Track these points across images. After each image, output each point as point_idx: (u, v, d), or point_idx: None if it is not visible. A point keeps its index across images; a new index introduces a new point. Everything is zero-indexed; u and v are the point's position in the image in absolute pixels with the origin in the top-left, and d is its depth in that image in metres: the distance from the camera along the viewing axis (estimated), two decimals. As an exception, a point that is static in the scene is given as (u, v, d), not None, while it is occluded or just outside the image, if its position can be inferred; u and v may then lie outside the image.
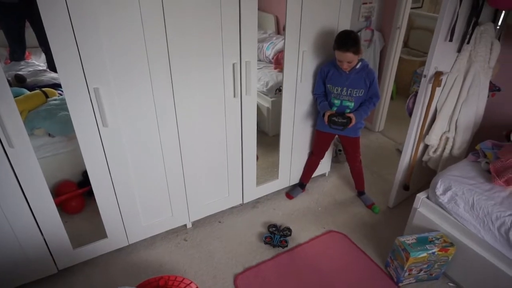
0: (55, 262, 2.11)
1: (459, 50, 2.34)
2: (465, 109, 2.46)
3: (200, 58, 1.99)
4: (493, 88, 2.58)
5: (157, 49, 1.84)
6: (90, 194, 2.21)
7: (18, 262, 1.99)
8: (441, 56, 2.24)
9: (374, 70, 2.34)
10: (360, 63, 2.33)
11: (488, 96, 2.54)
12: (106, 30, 1.67)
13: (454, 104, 2.47)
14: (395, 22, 3.41)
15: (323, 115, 2.44)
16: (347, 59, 2.24)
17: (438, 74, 2.24)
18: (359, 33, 3.39)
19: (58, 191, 2.59)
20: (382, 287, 2.21)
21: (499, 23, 2.46)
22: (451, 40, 2.20)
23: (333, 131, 2.53)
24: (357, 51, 2.22)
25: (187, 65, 1.97)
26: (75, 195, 2.60)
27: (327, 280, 2.24)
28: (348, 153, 2.73)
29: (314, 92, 2.55)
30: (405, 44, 5.01)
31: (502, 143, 2.35)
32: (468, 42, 2.30)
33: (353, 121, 2.36)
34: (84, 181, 2.67)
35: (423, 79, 2.29)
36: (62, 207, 2.55)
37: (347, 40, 2.20)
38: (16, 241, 1.93)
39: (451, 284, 2.23)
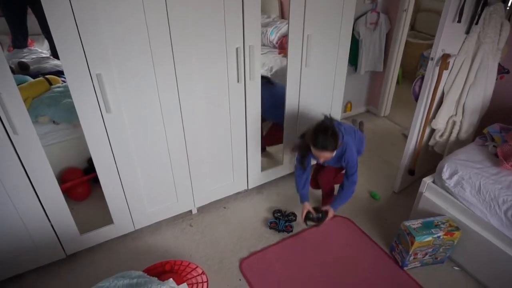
0: (63, 248, 2.14)
1: (467, 32, 2.28)
2: (473, 92, 2.42)
3: (203, 43, 1.97)
4: (502, 70, 2.53)
5: (159, 34, 1.81)
6: (95, 180, 2.22)
7: (26, 248, 2.02)
8: (448, 38, 2.19)
9: (352, 154, 2.18)
10: (336, 152, 2.13)
11: (496, 79, 2.49)
12: (108, 16, 1.65)
13: (461, 87, 2.43)
14: (401, 4, 3.34)
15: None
16: (324, 156, 2.11)
17: (445, 57, 2.20)
18: (364, 16, 3.33)
19: (64, 178, 2.61)
20: (387, 271, 2.22)
21: (510, 3, 2.39)
22: (459, 21, 2.14)
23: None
24: (334, 148, 2.06)
25: (190, 49, 1.94)
26: (81, 181, 2.62)
27: (332, 265, 2.25)
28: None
29: (296, 162, 2.40)
30: (412, 27, 4.91)
31: (511, 126, 2.31)
32: (476, 23, 2.25)
33: (330, 215, 2.27)
34: (89, 168, 2.69)
35: (430, 62, 2.25)
36: (68, 194, 2.58)
37: (324, 142, 2.03)
38: (24, 228, 1.96)
39: (456, 268, 2.23)
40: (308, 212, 2.32)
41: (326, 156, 2.11)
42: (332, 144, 2.05)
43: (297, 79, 2.45)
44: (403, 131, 3.68)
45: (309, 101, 2.61)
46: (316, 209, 2.35)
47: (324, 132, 2.04)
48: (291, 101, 2.52)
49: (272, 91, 2.70)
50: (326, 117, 2.15)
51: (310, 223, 2.34)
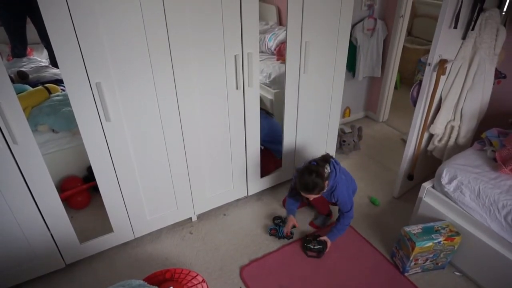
0: (62, 257, 2.13)
1: (464, 37, 2.31)
2: (471, 97, 2.43)
3: (201, 50, 1.98)
4: (499, 75, 2.55)
5: (158, 42, 1.82)
6: (95, 189, 2.22)
7: (26, 257, 2.01)
8: (445, 43, 2.21)
9: (342, 192, 2.26)
10: (325, 190, 2.20)
11: (493, 84, 2.51)
12: (107, 24, 1.66)
13: (459, 92, 2.44)
14: (398, 10, 3.37)
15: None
16: (311, 197, 2.23)
17: (442, 62, 2.21)
18: (362, 22, 3.35)
19: (63, 187, 2.60)
20: (387, 277, 2.21)
21: (505, 9, 2.41)
22: (455, 27, 2.16)
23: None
24: (320, 191, 2.16)
25: (189, 57, 1.95)
26: (80, 190, 2.61)
27: (332, 271, 2.24)
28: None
29: (291, 186, 2.52)
30: (409, 32, 4.95)
31: (508, 130, 2.32)
32: (473, 29, 2.27)
33: (329, 244, 2.31)
34: (89, 176, 2.68)
35: (427, 67, 2.26)
36: (68, 203, 2.57)
37: (308, 186, 2.13)
38: (24, 237, 1.95)
39: (457, 273, 2.22)
40: (309, 242, 2.33)
41: (313, 197, 2.22)
42: (317, 188, 2.13)
43: (295, 85, 2.46)
44: (402, 136, 3.69)
45: (308, 107, 2.62)
46: (315, 238, 2.35)
47: (309, 175, 2.13)
48: (289, 108, 2.53)
49: (270, 122, 2.81)
50: (313, 161, 2.24)
51: (311, 254, 2.34)
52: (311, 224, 2.59)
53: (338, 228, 2.34)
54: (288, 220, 2.45)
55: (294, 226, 2.37)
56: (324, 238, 2.33)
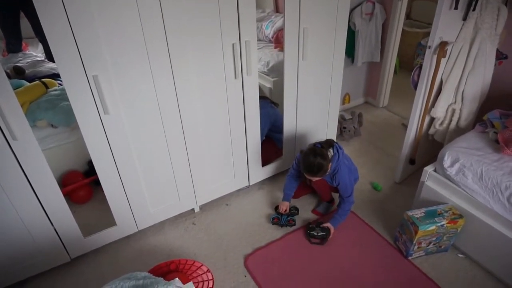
0: (67, 251, 2.14)
1: (464, 18, 2.27)
2: (472, 79, 2.41)
3: (199, 39, 1.95)
4: (500, 56, 2.52)
5: (154, 33, 1.80)
6: (97, 183, 2.21)
7: (31, 253, 2.02)
8: (446, 25, 2.18)
9: (344, 176, 2.27)
10: (328, 172, 2.22)
11: (495, 65, 2.48)
12: (102, 15, 1.63)
13: (460, 74, 2.42)
14: (396, -7, 3.32)
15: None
16: (314, 179, 2.28)
17: (443, 45, 2.18)
18: (360, 6, 3.31)
19: (65, 182, 2.60)
20: (391, 261, 2.22)
21: (506, -12, 2.37)
22: (456, 7, 2.13)
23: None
24: (323, 174, 2.19)
25: (186, 47, 1.93)
26: (82, 184, 2.61)
27: (336, 257, 2.25)
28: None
29: (292, 167, 2.52)
30: (408, 15, 4.88)
31: (510, 112, 2.30)
32: (474, 9, 2.23)
33: (332, 231, 2.32)
34: (90, 170, 2.68)
35: (427, 50, 2.23)
36: (70, 197, 2.57)
37: (312, 168, 2.16)
38: (28, 233, 1.96)
39: (460, 256, 2.23)
40: (312, 229, 2.33)
41: (316, 179, 2.27)
42: (321, 170, 2.16)
43: (294, 72, 2.44)
44: (402, 121, 3.67)
45: (307, 95, 2.60)
46: (318, 225, 2.35)
47: (314, 156, 2.16)
48: (289, 95, 2.51)
49: (276, 112, 2.81)
50: (317, 143, 2.27)
51: (314, 241, 2.34)
52: (313, 211, 2.60)
53: (339, 214, 2.35)
54: (281, 204, 2.50)
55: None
56: (327, 224, 2.33)
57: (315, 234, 2.32)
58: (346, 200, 2.33)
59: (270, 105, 2.79)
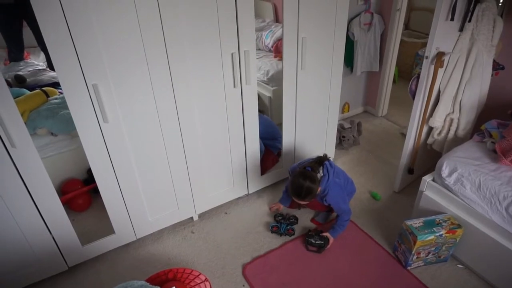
0: (65, 260, 2.13)
1: (461, 29, 2.30)
2: (469, 89, 2.42)
3: (198, 49, 1.97)
4: (497, 67, 2.54)
5: (153, 41, 1.82)
6: (96, 191, 2.22)
7: (28, 261, 2.01)
8: (442, 36, 2.20)
9: (334, 197, 2.27)
10: (317, 194, 2.24)
11: (491, 75, 2.50)
12: (101, 24, 1.65)
13: (457, 84, 2.43)
14: (394, 4, 3.35)
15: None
16: (303, 203, 2.30)
17: (440, 55, 2.21)
18: (358, 17, 3.34)
19: (64, 190, 2.60)
20: (390, 271, 2.21)
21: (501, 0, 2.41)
22: (452, 19, 2.15)
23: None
24: (311, 198, 2.21)
25: (185, 56, 1.95)
26: (81, 192, 2.61)
27: (334, 266, 2.25)
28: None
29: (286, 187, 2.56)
30: (406, 26, 4.93)
31: (508, 122, 2.32)
32: (469, 21, 2.26)
33: (331, 241, 2.33)
34: (89, 179, 2.68)
35: (425, 60, 2.25)
36: (69, 205, 2.57)
37: (300, 195, 2.17)
38: (25, 241, 1.95)
39: (460, 266, 2.22)
40: (311, 236, 2.33)
41: (305, 203, 2.27)
42: (309, 195, 2.17)
43: (293, 82, 2.46)
44: (401, 130, 3.68)
45: (307, 104, 2.61)
46: (318, 233, 2.35)
47: (303, 180, 2.14)
48: (288, 104, 2.52)
49: (263, 118, 2.79)
50: (308, 166, 2.23)
51: (311, 248, 2.34)
52: (312, 221, 2.59)
53: (338, 225, 2.35)
54: (276, 204, 2.57)
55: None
56: (327, 234, 2.33)
57: (313, 242, 2.31)
58: (342, 216, 2.35)
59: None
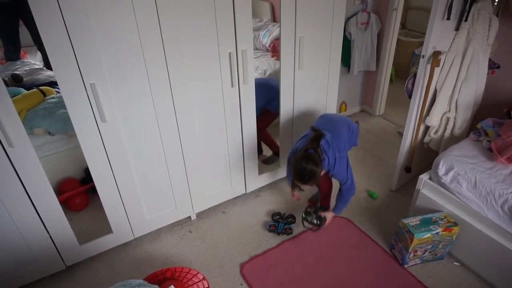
0: (62, 259, 2.13)
1: (457, 29, 2.31)
2: (465, 88, 2.44)
3: (195, 48, 1.97)
4: (493, 66, 2.56)
5: (151, 41, 1.82)
6: (93, 190, 2.22)
7: (26, 260, 2.01)
8: (439, 35, 2.21)
9: (340, 170, 2.16)
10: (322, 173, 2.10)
11: (487, 74, 2.52)
12: (99, 24, 1.65)
13: (453, 83, 2.45)
14: (391, 4, 3.36)
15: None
16: (303, 187, 2.14)
17: (436, 54, 2.22)
18: (355, 16, 3.35)
19: (61, 189, 2.60)
20: (387, 269, 2.23)
21: (497, -1, 2.42)
22: (448, 18, 2.16)
23: None
24: (313, 183, 2.08)
25: (183, 55, 1.95)
26: (78, 192, 2.61)
27: (332, 265, 2.26)
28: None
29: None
30: (403, 25, 4.95)
31: (503, 120, 2.33)
32: (466, 20, 2.27)
33: (329, 219, 2.31)
34: (87, 178, 2.68)
35: (421, 59, 2.26)
36: (67, 205, 2.57)
37: (303, 178, 2.02)
38: (23, 240, 1.95)
39: (456, 263, 2.24)
40: (308, 214, 2.33)
41: (307, 187, 2.15)
42: (312, 179, 2.03)
43: (290, 81, 2.46)
44: (398, 129, 3.70)
45: (304, 103, 2.62)
46: (316, 211, 2.35)
47: (306, 163, 1.99)
48: (285, 104, 2.53)
49: (264, 80, 2.76)
50: (310, 149, 2.04)
51: (307, 225, 2.35)
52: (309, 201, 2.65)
53: (342, 200, 2.31)
54: (292, 190, 2.35)
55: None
56: (325, 214, 2.33)
57: (310, 219, 2.32)
58: (347, 188, 2.25)
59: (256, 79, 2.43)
